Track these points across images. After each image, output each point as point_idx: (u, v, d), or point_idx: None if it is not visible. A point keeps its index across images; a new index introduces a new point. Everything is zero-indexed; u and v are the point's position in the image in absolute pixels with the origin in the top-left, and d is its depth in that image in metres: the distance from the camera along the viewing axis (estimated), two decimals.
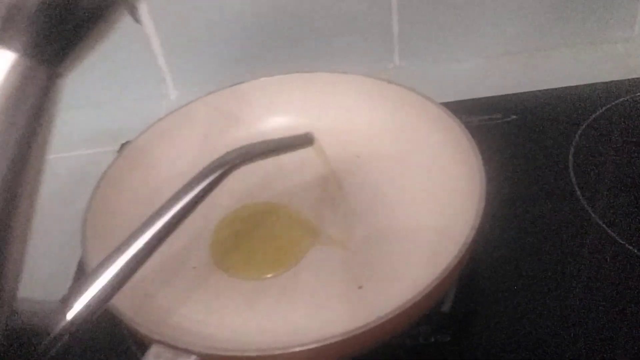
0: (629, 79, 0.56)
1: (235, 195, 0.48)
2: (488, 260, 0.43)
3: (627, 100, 0.54)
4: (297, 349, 0.32)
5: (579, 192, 0.46)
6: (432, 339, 0.38)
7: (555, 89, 0.56)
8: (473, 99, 0.56)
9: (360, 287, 0.41)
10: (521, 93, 0.56)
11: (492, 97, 0.56)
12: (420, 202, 0.45)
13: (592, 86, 0.56)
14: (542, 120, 0.53)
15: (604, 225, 0.44)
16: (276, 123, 0.51)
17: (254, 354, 0.32)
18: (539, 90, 0.56)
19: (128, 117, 0.60)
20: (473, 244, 0.37)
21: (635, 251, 0.42)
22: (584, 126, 0.52)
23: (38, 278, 0.46)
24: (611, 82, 0.56)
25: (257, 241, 0.45)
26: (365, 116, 0.50)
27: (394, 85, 0.49)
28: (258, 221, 0.47)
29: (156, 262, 0.43)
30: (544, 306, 0.40)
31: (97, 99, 0.63)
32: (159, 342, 0.33)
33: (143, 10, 0.56)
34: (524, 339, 0.38)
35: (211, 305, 0.41)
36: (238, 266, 0.43)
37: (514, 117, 0.54)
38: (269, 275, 0.42)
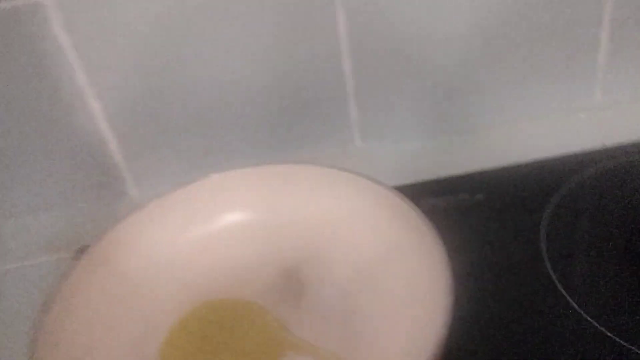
0: (594, 150, 0.56)
1: (184, 292, 0.45)
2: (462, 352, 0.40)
3: (595, 171, 0.53)
4: None
5: (552, 273, 0.44)
6: None
7: (521, 163, 0.55)
8: (438, 180, 0.55)
9: None
10: (487, 170, 0.55)
11: (458, 177, 0.55)
12: (387, 296, 0.42)
13: (557, 159, 0.55)
14: (510, 197, 0.52)
15: (580, 310, 0.42)
16: (234, 219, 0.49)
17: None
18: (504, 166, 0.55)
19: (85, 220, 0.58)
20: (445, 340, 0.34)
21: (621, 341, 0.40)
22: (553, 201, 0.50)
23: None
24: (576, 153, 0.56)
25: (220, 350, 0.42)
26: (321, 207, 0.48)
27: (346, 173, 0.47)
28: (215, 325, 0.44)
29: None
30: None
31: (52, 201, 0.60)
32: None
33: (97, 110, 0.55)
34: None
35: None
36: None
37: (480, 196, 0.52)
38: None
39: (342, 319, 0.42)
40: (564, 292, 0.43)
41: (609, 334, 0.40)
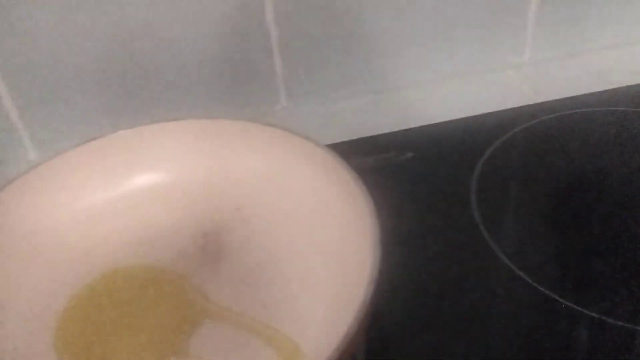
0: (523, 106, 0.54)
1: (89, 259, 0.41)
2: (392, 312, 0.38)
3: (523, 128, 0.52)
4: None
5: (483, 229, 0.43)
6: None
7: (450, 121, 0.54)
8: (366, 138, 0.52)
9: None
10: (416, 128, 0.53)
11: (386, 135, 0.53)
12: (312, 257, 0.39)
13: (487, 116, 0.54)
14: (439, 155, 0.50)
15: (509, 264, 0.40)
16: (146, 179, 0.45)
17: None
18: (433, 124, 0.53)
19: None
20: (372, 299, 0.32)
21: (545, 290, 0.39)
22: (483, 159, 0.49)
23: None
24: (506, 110, 0.54)
25: (125, 324, 0.38)
26: (242, 165, 0.44)
27: (270, 128, 0.43)
28: (124, 294, 0.40)
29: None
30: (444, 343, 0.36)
31: None
32: None
33: None
34: None
35: None
36: None
37: (410, 154, 0.50)
38: None
39: (264, 284, 0.39)
40: (494, 246, 0.42)
41: (538, 287, 0.39)
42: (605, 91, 0.56)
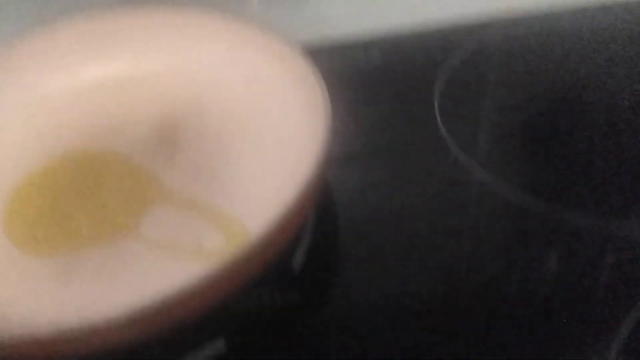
0: (488, 16, 0.53)
1: (39, 143, 0.41)
2: (345, 213, 0.39)
3: (490, 36, 0.51)
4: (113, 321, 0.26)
5: (445, 133, 0.43)
6: (280, 301, 0.33)
7: (413, 30, 0.52)
8: (333, 44, 0.51)
9: (199, 246, 0.35)
10: (385, 36, 0.52)
11: (356, 42, 0.52)
12: (265, 148, 0.39)
13: (452, 24, 0.53)
14: (404, 63, 0.49)
15: (473, 167, 0.41)
16: (102, 70, 0.44)
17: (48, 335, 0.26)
18: (400, 31, 0.52)
19: None
20: (321, 172, 0.32)
21: (504, 189, 0.39)
22: (448, 65, 0.48)
23: None
24: (471, 17, 0.53)
25: (75, 205, 0.38)
26: (201, 57, 0.43)
27: (223, 17, 0.42)
28: (76, 176, 0.40)
29: None
30: (408, 256, 0.36)
31: None
32: None
33: None
34: (387, 295, 0.34)
35: (17, 286, 0.34)
36: (47, 239, 0.36)
37: (377, 62, 0.49)
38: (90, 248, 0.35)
39: (217, 170, 0.39)
40: (455, 149, 0.42)
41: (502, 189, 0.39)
42: None
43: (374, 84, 0.48)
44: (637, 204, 0.38)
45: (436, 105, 0.45)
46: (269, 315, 0.32)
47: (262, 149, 0.40)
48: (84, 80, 0.44)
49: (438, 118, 0.44)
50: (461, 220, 0.38)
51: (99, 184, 0.39)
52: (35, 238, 0.36)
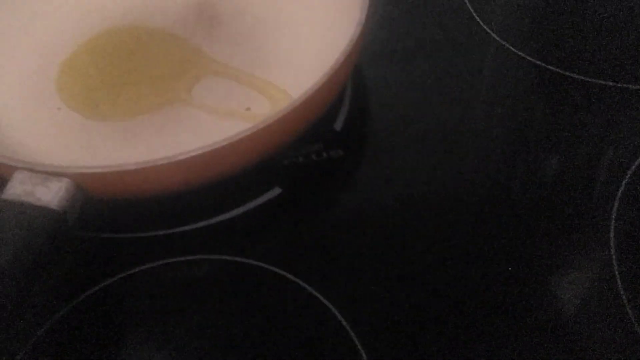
0: None
1: (84, 18, 0.44)
2: (378, 80, 0.42)
3: None
4: (178, 159, 0.30)
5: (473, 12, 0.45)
6: (325, 155, 0.37)
7: None
8: None
9: (247, 109, 0.38)
10: None
11: None
12: (303, 19, 0.42)
13: None
14: None
15: (501, 41, 0.43)
16: None
17: (132, 167, 0.29)
18: None
19: None
20: (359, 40, 0.35)
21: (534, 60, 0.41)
22: None
23: None
24: None
25: (129, 75, 0.41)
26: None
27: None
28: (124, 49, 0.42)
29: (14, 102, 0.39)
30: (438, 123, 0.39)
31: None
32: (23, 168, 0.30)
33: None
34: (418, 159, 0.37)
35: (81, 147, 0.37)
36: (108, 106, 0.39)
37: None
38: (148, 114, 0.39)
39: (257, 44, 0.42)
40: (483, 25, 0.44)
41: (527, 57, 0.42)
42: None
43: None
44: None
45: None
46: (317, 167, 0.37)
47: (299, 20, 0.42)
48: None
49: None
50: (481, 82, 0.41)
51: (147, 57, 0.42)
52: (98, 105, 0.39)
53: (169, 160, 0.30)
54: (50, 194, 0.29)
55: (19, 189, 0.29)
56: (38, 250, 0.27)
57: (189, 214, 0.35)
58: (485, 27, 0.44)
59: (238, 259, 0.33)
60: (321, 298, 0.31)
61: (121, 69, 0.41)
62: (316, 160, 0.37)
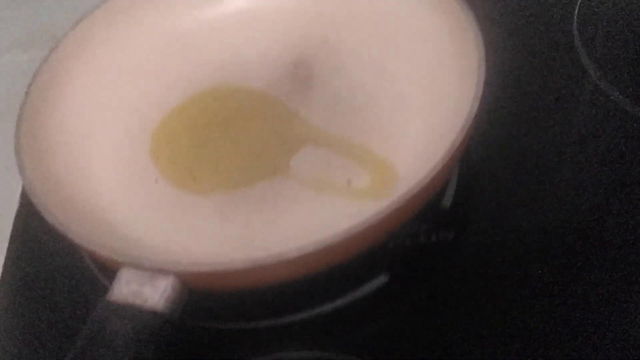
0: None
1: (179, 80, 0.43)
2: (488, 152, 0.39)
3: None
4: (290, 256, 0.28)
5: (583, 58, 0.42)
6: (434, 238, 0.34)
7: None
8: None
9: (348, 182, 0.36)
10: None
11: None
12: (405, 82, 0.40)
13: None
14: None
15: (613, 96, 0.40)
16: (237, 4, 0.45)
17: (241, 265, 0.28)
18: None
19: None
20: (475, 121, 0.32)
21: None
22: None
23: None
24: None
25: (225, 143, 0.39)
26: None
27: None
28: (219, 113, 0.41)
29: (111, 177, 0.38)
30: (551, 195, 0.37)
31: None
32: (129, 264, 0.29)
33: None
34: (531, 231, 0.35)
35: (180, 222, 0.36)
36: (206, 178, 0.38)
37: None
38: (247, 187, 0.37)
39: (356, 107, 0.40)
40: (593, 73, 0.41)
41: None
42: None
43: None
44: None
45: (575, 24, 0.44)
46: (427, 251, 0.34)
47: (402, 84, 0.40)
48: (223, 15, 0.45)
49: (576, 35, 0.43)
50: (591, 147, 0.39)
51: (242, 122, 0.41)
52: (195, 178, 0.38)
53: (280, 257, 0.28)
54: (158, 294, 0.28)
55: (126, 289, 0.28)
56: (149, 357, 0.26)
57: (286, 306, 0.33)
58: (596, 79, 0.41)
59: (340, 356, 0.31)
60: None
61: (216, 136, 0.40)
62: (425, 244, 0.34)
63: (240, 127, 0.40)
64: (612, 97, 0.40)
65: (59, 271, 0.37)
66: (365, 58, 0.42)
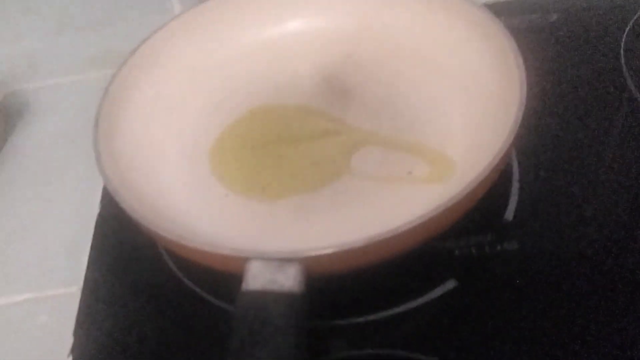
0: None
1: (230, 99, 0.46)
2: (548, 165, 0.42)
3: None
4: (403, 229, 0.30)
5: (633, 89, 0.44)
6: (499, 248, 0.37)
7: None
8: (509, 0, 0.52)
9: (409, 173, 0.39)
10: None
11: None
12: (452, 110, 0.42)
13: None
14: (586, 17, 0.50)
15: None
16: (286, 28, 0.48)
17: (361, 243, 0.30)
18: None
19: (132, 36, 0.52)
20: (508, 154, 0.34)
21: None
22: (634, 18, 0.48)
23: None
24: None
25: (285, 154, 0.42)
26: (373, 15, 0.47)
27: None
28: (272, 128, 0.44)
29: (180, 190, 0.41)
30: (610, 206, 0.39)
31: (98, 18, 0.57)
32: (257, 258, 0.31)
33: None
34: (593, 242, 0.37)
35: (261, 227, 0.38)
36: (274, 187, 0.40)
37: (555, 16, 0.51)
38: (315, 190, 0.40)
39: (402, 108, 0.44)
40: None
41: None
42: None
43: (554, 38, 0.49)
44: None
45: (622, 59, 0.46)
46: (492, 261, 0.37)
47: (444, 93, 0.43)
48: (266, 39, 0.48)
49: (624, 67, 0.45)
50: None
51: (295, 135, 0.44)
52: (264, 189, 0.40)
53: (394, 232, 0.30)
54: (291, 279, 0.30)
55: (260, 279, 0.30)
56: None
57: (362, 306, 0.36)
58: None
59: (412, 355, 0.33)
60: None
61: (273, 150, 0.43)
62: (490, 254, 0.37)
63: (293, 139, 0.43)
64: None
65: (138, 265, 0.40)
66: (394, 69, 0.46)
